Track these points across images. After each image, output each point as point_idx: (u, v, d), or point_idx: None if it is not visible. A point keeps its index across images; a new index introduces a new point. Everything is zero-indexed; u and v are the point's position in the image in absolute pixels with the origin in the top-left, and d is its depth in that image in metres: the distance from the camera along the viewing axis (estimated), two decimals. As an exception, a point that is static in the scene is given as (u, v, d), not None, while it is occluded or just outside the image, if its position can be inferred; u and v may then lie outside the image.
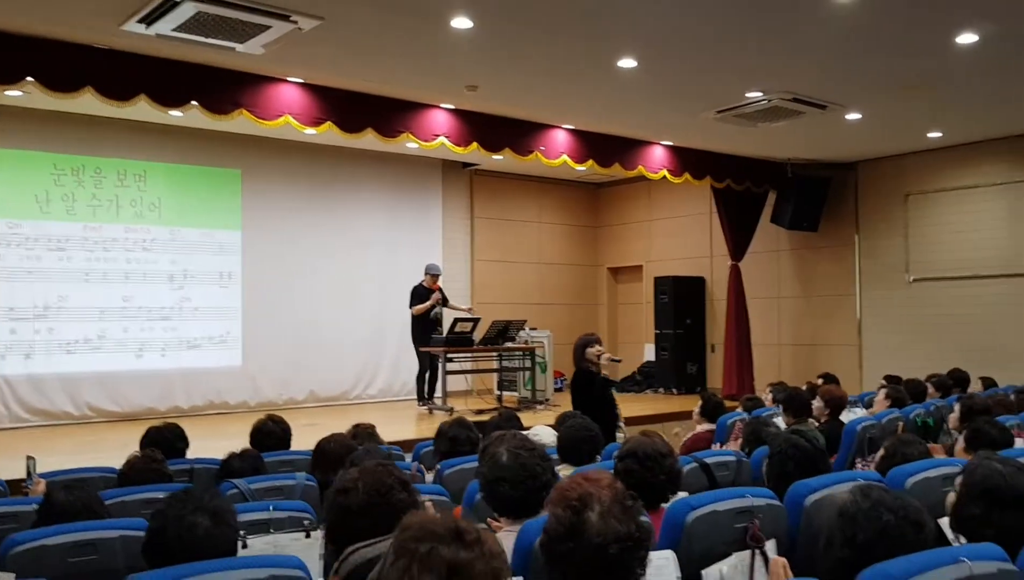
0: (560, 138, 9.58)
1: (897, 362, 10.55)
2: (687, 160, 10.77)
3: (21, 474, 4.56)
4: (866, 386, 10.35)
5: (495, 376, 11.09)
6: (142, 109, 7.45)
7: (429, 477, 4.37)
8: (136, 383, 10.01)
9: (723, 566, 2.75)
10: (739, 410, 6.60)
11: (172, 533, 2.35)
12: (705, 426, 6.20)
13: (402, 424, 9.02)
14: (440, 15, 6.22)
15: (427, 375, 10.19)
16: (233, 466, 4.16)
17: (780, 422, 5.66)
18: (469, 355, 10.26)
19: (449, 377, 9.93)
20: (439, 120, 8.65)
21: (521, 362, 10.79)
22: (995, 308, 10.54)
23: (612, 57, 7.26)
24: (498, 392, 10.97)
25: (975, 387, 8.14)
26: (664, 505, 2.99)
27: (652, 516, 2.82)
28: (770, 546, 2.89)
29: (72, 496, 3.09)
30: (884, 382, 7.30)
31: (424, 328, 10.13)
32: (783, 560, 2.71)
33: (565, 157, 9.59)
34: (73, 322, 9.74)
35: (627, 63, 7.36)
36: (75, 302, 9.76)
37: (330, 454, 4.10)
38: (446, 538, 1.48)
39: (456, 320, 9.92)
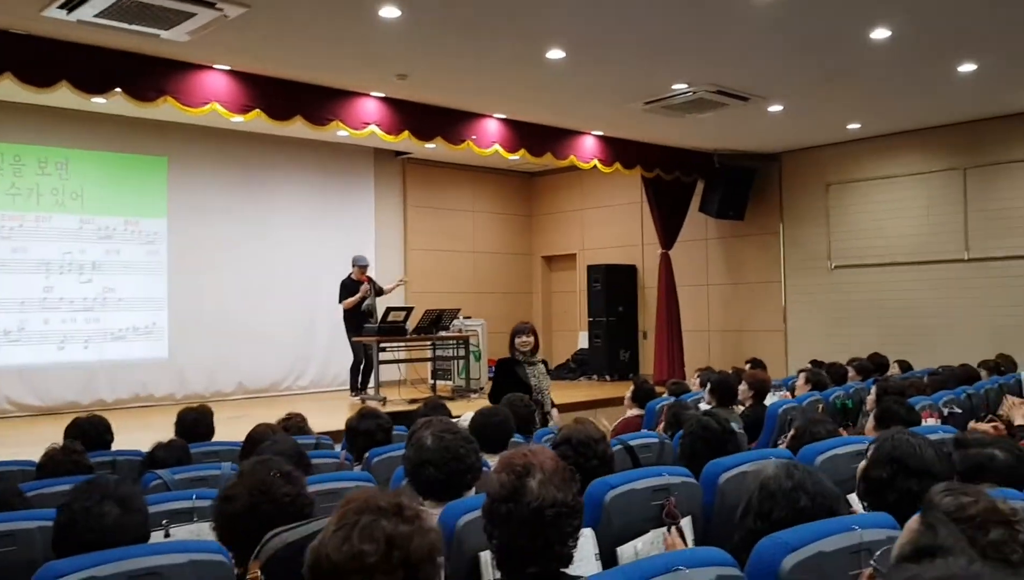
0: (492, 127, 9.63)
1: (821, 347, 10.91)
2: (618, 150, 10.92)
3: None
4: (791, 370, 10.62)
5: (429, 365, 11.10)
6: (64, 96, 7.29)
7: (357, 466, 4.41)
8: (58, 376, 9.76)
9: (638, 543, 2.84)
10: (666, 395, 6.77)
11: (81, 524, 2.33)
12: (635, 411, 6.34)
13: (333, 415, 8.95)
14: (367, 4, 6.21)
15: (361, 366, 10.15)
16: (158, 457, 4.13)
17: (704, 406, 5.83)
18: (403, 344, 10.26)
19: (383, 367, 9.89)
20: (369, 108, 8.62)
21: (455, 351, 10.83)
22: (913, 294, 10.92)
23: (540, 49, 7.33)
24: (432, 381, 10.98)
25: (893, 371, 8.44)
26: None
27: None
28: (686, 523, 3.01)
29: (-14, 489, 3.05)
30: (809, 366, 7.57)
31: (357, 319, 10.08)
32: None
33: (497, 146, 9.64)
34: (-8, 314, 9.47)
35: (555, 54, 7.45)
36: (-7, 293, 9.48)
37: (258, 442, 4.09)
38: (387, 512, 1.57)
39: (388, 309, 9.90)
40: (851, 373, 7.88)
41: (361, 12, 6.38)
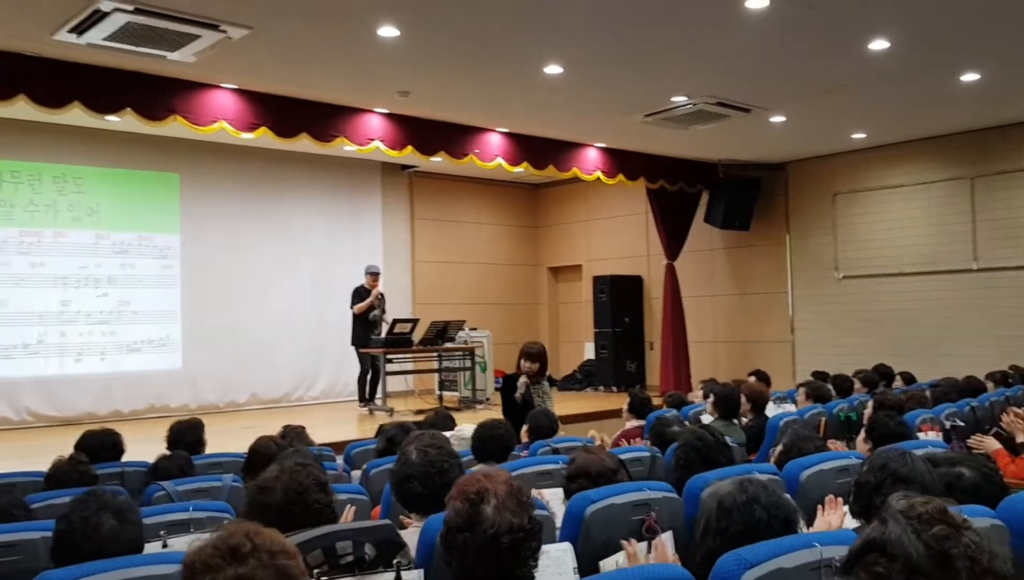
0: (494, 141, 9.74)
1: (829, 358, 10.89)
2: (621, 161, 10.98)
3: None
4: (799, 382, 10.63)
5: (436, 376, 11.19)
6: (78, 115, 7.45)
7: (356, 475, 4.50)
8: (75, 388, 9.96)
9: (619, 557, 2.89)
10: (665, 407, 6.80)
11: (79, 534, 2.42)
12: (634, 422, 6.39)
13: (341, 425, 9.08)
14: (367, 24, 6.33)
15: (368, 376, 10.25)
16: (161, 468, 4.24)
17: (707, 418, 5.87)
18: (409, 356, 10.35)
19: (390, 378, 10.00)
20: (373, 124, 8.75)
21: (461, 362, 10.92)
22: (920, 304, 10.89)
23: (538, 64, 7.42)
24: (439, 392, 11.07)
25: (896, 383, 8.41)
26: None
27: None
28: (667, 537, 3.06)
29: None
30: (810, 379, 7.57)
31: (364, 329, 10.20)
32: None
33: (500, 160, 9.75)
34: (11, 327, 9.68)
35: (553, 69, 7.53)
36: (13, 307, 9.70)
37: (260, 455, 4.19)
38: (221, 563, 1.52)
39: (395, 321, 10.01)
40: (857, 385, 7.82)
41: (360, 32, 6.50)
